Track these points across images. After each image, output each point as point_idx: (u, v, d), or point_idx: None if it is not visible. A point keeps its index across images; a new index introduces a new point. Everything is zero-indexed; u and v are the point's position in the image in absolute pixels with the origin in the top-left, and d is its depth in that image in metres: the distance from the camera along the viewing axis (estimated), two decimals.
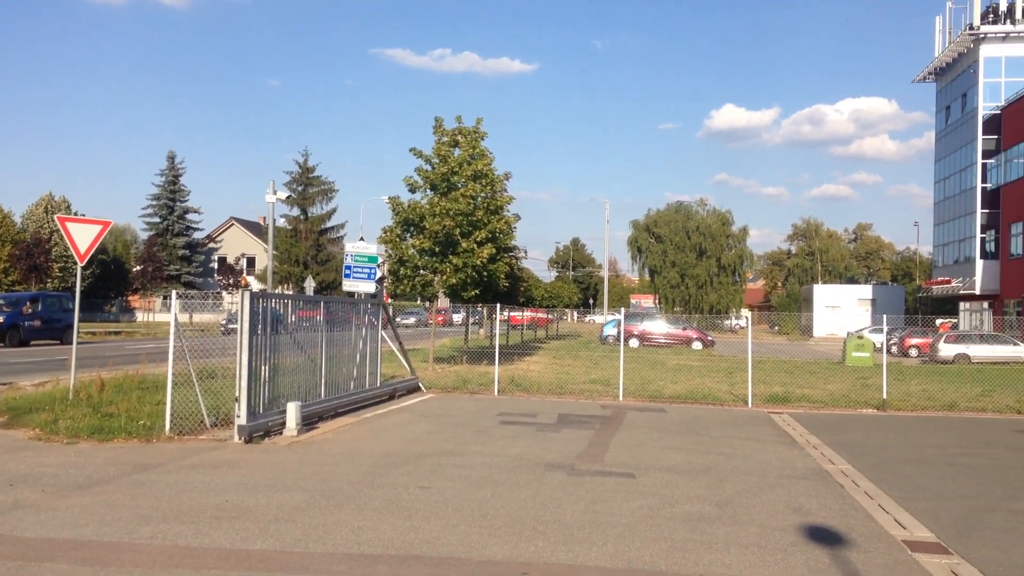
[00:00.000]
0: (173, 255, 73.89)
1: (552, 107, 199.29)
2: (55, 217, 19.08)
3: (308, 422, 13.21)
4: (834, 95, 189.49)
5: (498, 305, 21.53)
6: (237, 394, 11.69)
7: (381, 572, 6.30)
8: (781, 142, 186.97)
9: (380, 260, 23.81)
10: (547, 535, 7.37)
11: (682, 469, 10.71)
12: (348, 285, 22.19)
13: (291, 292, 62.29)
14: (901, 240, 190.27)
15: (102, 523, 7.41)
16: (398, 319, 60.41)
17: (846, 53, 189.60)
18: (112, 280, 71.82)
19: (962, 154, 57.24)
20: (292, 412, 12.52)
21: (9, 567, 6.17)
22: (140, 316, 71.83)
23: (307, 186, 71.81)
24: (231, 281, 68.78)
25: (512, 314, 46.05)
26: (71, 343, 14.94)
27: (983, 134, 53.87)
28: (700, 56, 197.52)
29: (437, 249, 23.61)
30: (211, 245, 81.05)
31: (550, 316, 58.18)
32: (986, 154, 53.85)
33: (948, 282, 57.78)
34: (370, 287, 21.88)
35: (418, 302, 72.01)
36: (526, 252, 71.18)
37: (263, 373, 12.37)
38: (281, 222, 69.13)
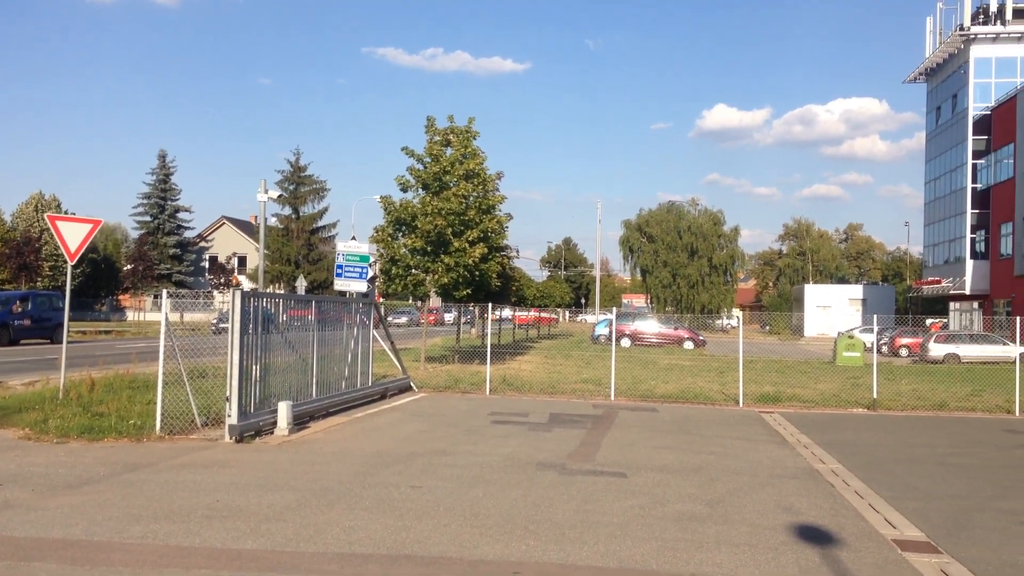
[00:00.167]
0: (164, 254, 73.64)
1: (544, 107, 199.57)
2: (45, 216, 18.99)
3: (299, 421, 13.18)
4: (825, 95, 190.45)
5: (490, 304, 21.51)
6: (228, 393, 11.67)
7: (372, 571, 6.29)
8: (772, 142, 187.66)
9: (372, 259, 23.80)
10: (539, 534, 7.38)
11: (673, 468, 10.73)
12: (340, 284, 22.18)
13: (283, 291, 62.20)
14: (892, 240, 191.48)
15: (92, 523, 7.39)
16: (390, 318, 60.40)
17: (837, 53, 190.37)
18: (103, 279, 71.54)
19: (952, 155, 57.46)
20: (283, 412, 12.50)
21: None
22: (131, 315, 71.55)
23: (299, 185, 71.67)
24: (222, 280, 68.58)
25: (516, 314, 46.17)
26: (61, 342, 14.88)
27: (973, 135, 54.09)
28: (692, 56, 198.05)
29: (429, 248, 23.59)
30: (202, 244, 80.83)
31: (553, 316, 58.22)
32: (976, 154, 54.08)
33: (938, 282, 58.01)
34: (362, 286, 21.88)
35: (410, 301, 72.04)
36: (518, 252, 71.36)
37: (254, 372, 12.34)
38: (273, 221, 69.06)
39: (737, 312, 67.19)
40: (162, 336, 12.19)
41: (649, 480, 9.91)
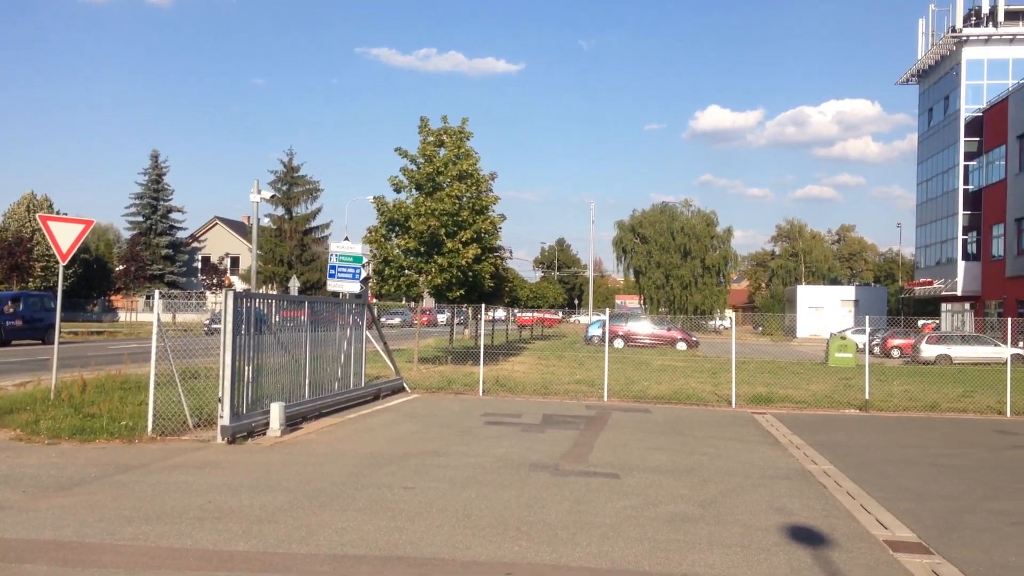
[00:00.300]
0: (156, 254, 73.38)
1: (537, 108, 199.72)
2: (37, 216, 18.92)
3: (292, 422, 13.17)
4: (818, 97, 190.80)
5: (483, 305, 21.52)
6: (220, 394, 11.64)
7: (364, 573, 6.29)
8: (765, 143, 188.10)
9: (365, 260, 23.74)
10: (531, 535, 7.38)
11: (666, 469, 10.74)
12: (333, 285, 22.13)
13: (275, 292, 62.09)
14: (884, 241, 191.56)
15: (83, 524, 7.36)
16: (383, 319, 60.30)
17: (830, 55, 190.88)
18: (95, 279, 71.27)
19: (944, 156, 57.62)
20: (276, 412, 12.48)
21: None
22: (123, 316, 71.30)
23: (292, 185, 71.49)
24: (215, 281, 68.39)
25: (520, 315, 46.21)
26: (53, 343, 14.84)
27: (965, 136, 54.22)
28: (685, 57, 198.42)
29: (422, 249, 23.58)
30: (195, 245, 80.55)
31: (557, 317, 58.14)
32: (968, 156, 54.22)
33: (930, 283, 58.17)
34: (355, 287, 21.83)
35: (403, 302, 71.90)
36: (511, 252, 71.37)
37: (246, 373, 12.32)
38: (265, 222, 68.82)
39: (730, 313, 67.19)
40: (154, 337, 12.16)
41: (642, 481, 9.92)
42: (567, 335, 59.49)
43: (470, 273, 24.07)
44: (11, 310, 32.65)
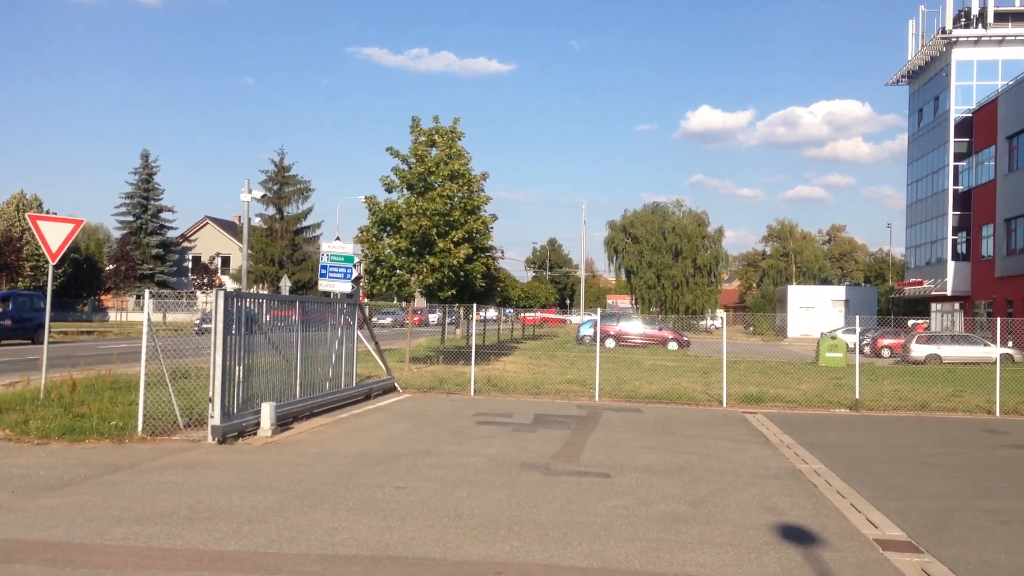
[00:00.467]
0: (147, 254, 73.18)
1: (529, 108, 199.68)
2: (27, 215, 18.83)
3: (283, 422, 13.13)
4: (808, 98, 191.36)
5: (475, 305, 21.50)
6: (211, 394, 11.61)
7: (355, 572, 6.28)
8: (756, 144, 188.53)
9: (356, 260, 23.74)
10: (522, 535, 7.38)
11: (657, 469, 10.76)
12: (324, 285, 22.13)
13: (266, 292, 61.93)
14: (874, 242, 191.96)
15: (73, 524, 7.33)
16: (374, 319, 60.26)
17: (820, 56, 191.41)
18: (84, 279, 70.97)
19: (934, 157, 57.85)
20: (266, 412, 12.45)
21: None
22: (113, 316, 71.04)
23: (283, 185, 71.40)
24: (205, 280, 68.26)
25: (524, 315, 46.18)
26: (42, 343, 14.78)
27: (955, 137, 54.45)
28: (677, 57, 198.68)
29: (414, 249, 23.56)
30: (185, 244, 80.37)
31: (561, 317, 58.10)
32: (958, 157, 54.46)
33: (920, 283, 58.41)
34: (346, 287, 21.83)
35: (394, 302, 71.82)
36: (503, 252, 71.35)
37: (237, 373, 12.28)
38: (256, 221, 68.70)
39: (721, 313, 67.34)
40: (144, 336, 12.11)
41: (633, 480, 9.94)
42: (558, 335, 59.50)
43: (461, 273, 24.07)
44: (0, 310, 32.49)
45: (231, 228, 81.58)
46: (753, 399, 18.83)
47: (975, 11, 56.06)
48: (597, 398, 18.58)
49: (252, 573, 6.21)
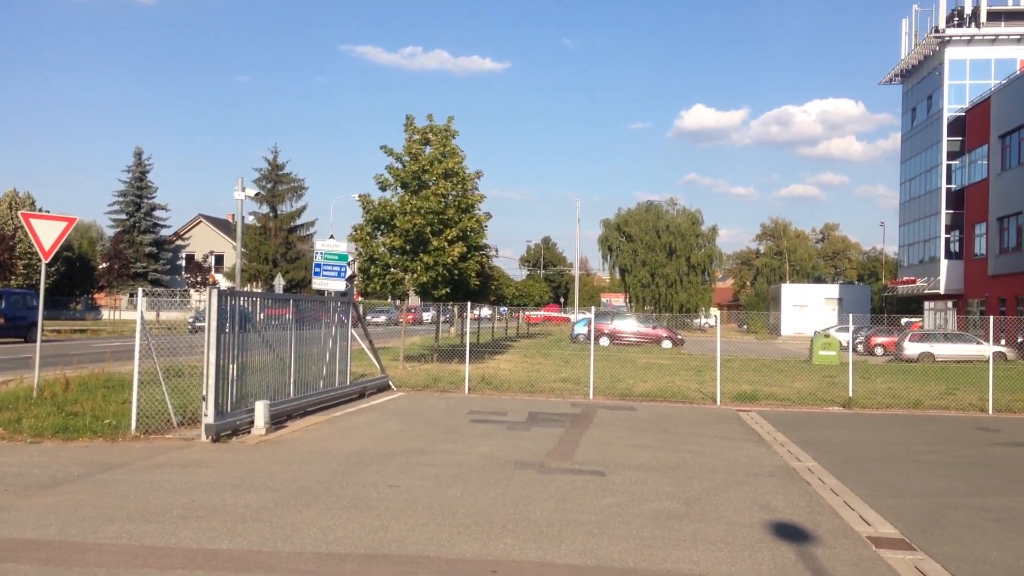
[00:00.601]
0: (140, 252, 72.92)
1: (523, 106, 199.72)
2: (19, 213, 18.78)
3: (277, 421, 13.12)
4: (802, 96, 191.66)
5: (469, 303, 21.50)
6: (204, 393, 11.59)
7: (349, 571, 6.28)
8: (750, 142, 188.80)
9: (350, 258, 23.69)
10: (517, 533, 7.38)
11: (651, 467, 10.77)
12: (318, 283, 22.07)
13: (260, 290, 61.83)
14: (867, 240, 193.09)
15: (66, 523, 7.32)
16: (368, 317, 60.17)
17: (814, 55, 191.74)
18: (78, 277, 70.81)
19: (927, 155, 57.97)
20: (260, 411, 12.43)
21: None
22: (106, 314, 70.82)
23: (276, 183, 71.21)
24: (199, 279, 68.01)
25: (528, 313, 46.20)
26: (35, 341, 14.72)
27: (948, 136, 54.56)
28: (670, 56, 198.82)
29: (408, 247, 23.55)
30: (179, 242, 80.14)
31: (564, 315, 58.09)
32: (951, 155, 54.57)
33: (913, 282, 58.54)
34: (340, 285, 21.78)
35: (388, 300, 71.77)
36: (497, 251, 71.45)
37: (231, 371, 12.27)
38: (250, 219, 68.54)
39: (715, 311, 67.46)
40: (138, 335, 12.09)
41: (627, 478, 9.95)
42: (552, 333, 59.54)
43: (456, 271, 24.05)
44: None
45: (225, 226, 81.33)
46: (747, 397, 18.87)
47: (968, 10, 56.13)
48: (591, 396, 18.59)
49: (246, 572, 6.21)
